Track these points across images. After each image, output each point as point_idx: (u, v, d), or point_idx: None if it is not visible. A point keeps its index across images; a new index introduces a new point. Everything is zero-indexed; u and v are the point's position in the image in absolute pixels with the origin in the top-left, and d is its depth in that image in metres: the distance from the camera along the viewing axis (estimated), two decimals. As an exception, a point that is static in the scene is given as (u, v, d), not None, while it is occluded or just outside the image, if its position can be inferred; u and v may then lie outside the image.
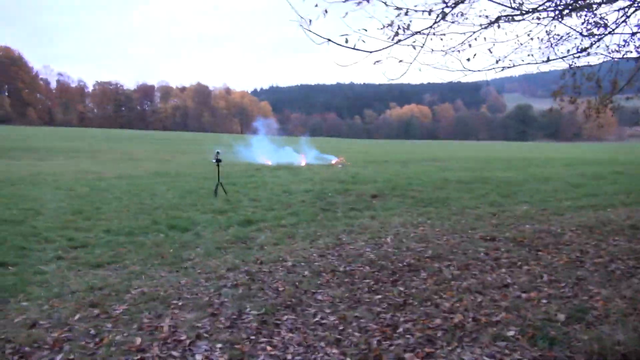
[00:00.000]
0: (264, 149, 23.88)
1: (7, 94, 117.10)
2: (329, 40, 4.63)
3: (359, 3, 4.81)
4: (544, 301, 4.47)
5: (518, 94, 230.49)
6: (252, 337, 3.84)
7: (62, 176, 15.15)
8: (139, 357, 3.51)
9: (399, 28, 5.07)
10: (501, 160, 26.31)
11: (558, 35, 6.74)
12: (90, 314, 4.28)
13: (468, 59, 5.80)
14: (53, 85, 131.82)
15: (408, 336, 3.82)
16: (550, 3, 5.94)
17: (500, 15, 5.85)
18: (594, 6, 6.16)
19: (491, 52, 6.22)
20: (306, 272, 5.56)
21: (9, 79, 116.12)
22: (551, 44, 6.66)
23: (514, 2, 5.95)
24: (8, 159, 22.16)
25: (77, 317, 4.22)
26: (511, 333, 3.77)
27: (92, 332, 3.92)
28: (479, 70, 6.38)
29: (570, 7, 6.02)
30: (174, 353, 3.57)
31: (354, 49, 4.65)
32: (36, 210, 9.06)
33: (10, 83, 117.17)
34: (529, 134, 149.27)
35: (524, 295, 4.65)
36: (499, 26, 5.99)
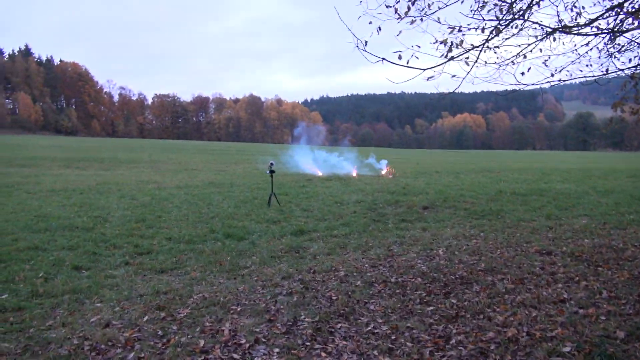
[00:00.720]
0: (308, 159, 23.91)
1: (74, 107, 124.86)
2: (384, 59, 4.78)
3: (412, 22, 4.94)
4: (603, 318, 4.38)
5: (578, 101, 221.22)
6: (307, 344, 4.01)
7: (126, 185, 16.03)
8: (202, 358, 3.77)
9: (452, 44, 5.15)
10: (559, 171, 25.39)
11: (618, 44, 6.57)
12: (157, 316, 4.60)
13: (522, 73, 5.78)
14: (115, 98, 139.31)
15: (460, 348, 3.87)
16: (610, 12, 5.84)
17: (556, 27, 5.80)
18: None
19: (547, 65, 6.15)
20: (358, 282, 5.69)
21: (76, 93, 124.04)
22: (610, 55, 6.50)
23: (572, 12, 5.90)
24: (77, 169, 23.65)
25: (145, 318, 4.55)
26: (567, 349, 3.73)
27: (160, 333, 4.23)
28: (533, 84, 6.32)
29: (632, 15, 5.87)
30: (235, 355, 3.80)
31: (407, 66, 4.77)
32: (104, 218, 9.69)
33: (77, 97, 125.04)
34: (590, 143, 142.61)
35: (581, 311, 4.57)
36: (554, 39, 5.93)
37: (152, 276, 6.05)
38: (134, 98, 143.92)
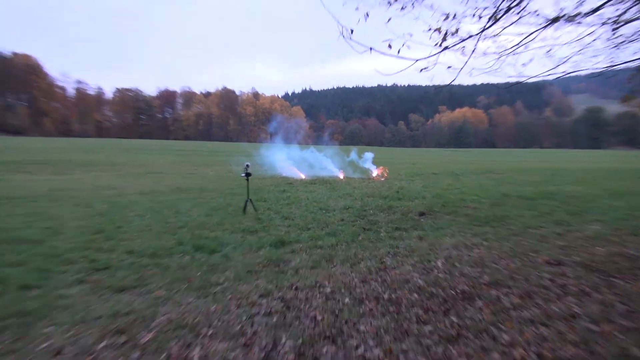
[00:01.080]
0: (278, 157, 23.99)
1: (24, 103, 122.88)
2: (371, 48, 4.78)
3: (402, 8, 4.96)
4: (618, 334, 4.42)
5: (587, 95, 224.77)
6: (289, 370, 3.97)
7: (81, 192, 15.81)
8: (169, 389, 3.70)
9: (446, 33, 5.19)
10: (569, 172, 25.76)
11: (623, 35, 6.66)
12: (116, 342, 4.52)
13: (523, 64, 5.84)
14: (71, 93, 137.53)
15: (461, 372, 3.87)
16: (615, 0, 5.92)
17: (558, 15, 5.86)
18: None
19: (550, 56, 6.22)
20: (347, 300, 5.66)
21: (26, 88, 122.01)
22: (616, 45, 6.59)
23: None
24: (25, 173, 23.26)
25: (103, 344, 4.46)
26: (580, 371, 3.76)
27: (120, 360, 4.15)
28: (536, 76, 6.38)
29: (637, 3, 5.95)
30: (206, 385, 3.74)
31: (398, 57, 4.78)
32: (56, 229, 9.52)
33: (27, 92, 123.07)
34: (602, 141, 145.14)
35: (594, 327, 4.61)
36: (556, 28, 6.00)
37: (110, 295, 5.95)
38: (92, 93, 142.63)
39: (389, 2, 5.44)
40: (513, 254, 7.70)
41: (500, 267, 6.91)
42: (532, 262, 7.13)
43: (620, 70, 7.23)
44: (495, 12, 5.65)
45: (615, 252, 7.61)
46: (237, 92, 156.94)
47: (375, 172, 23.24)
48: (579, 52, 6.53)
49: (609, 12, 6.09)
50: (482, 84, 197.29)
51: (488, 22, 5.68)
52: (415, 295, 5.80)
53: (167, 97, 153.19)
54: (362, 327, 4.86)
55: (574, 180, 20.21)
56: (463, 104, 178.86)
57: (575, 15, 5.91)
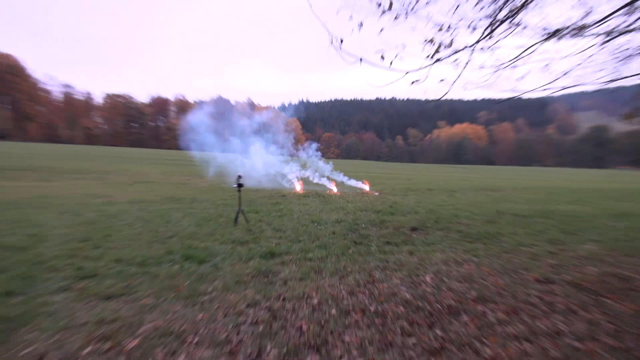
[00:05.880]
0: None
1: (9, 106, 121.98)
2: (361, 59, 5.00)
3: (395, 18, 5.18)
4: (603, 353, 4.59)
5: (594, 112, 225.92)
6: (273, 379, 4.14)
7: (68, 199, 15.91)
8: (151, 395, 3.87)
9: (440, 45, 5.41)
10: (569, 191, 26.02)
11: (632, 48, 6.83)
12: (101, 348, 4.64)
13: (519, 78, 6.06)
14: (58, 97, 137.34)
15: (445, 385, 4.05)
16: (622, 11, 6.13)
17: (561, 27, 6.08)
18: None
19: (547, 69, 6.44)
20: (333, 311, 5.82)
21: (6, 89, 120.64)
22: (621, 59, 6.80)
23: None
24: (9, 179, 23.32)
25: (87, 350, 4.59)
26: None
27: (103, 367, 4.31)
28: (533, 90, 6.59)
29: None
30: (189, 392, 3.92)
31: (388, 68, 4.99)
32: (41, 236, 9.64)
33: (7, 94, 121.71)
34: (606, 160, 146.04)
35: (579, 344, 4.78)
36: (559, 38, 6.22)
37: (96, 303, 6.08)
38: (80, 97, 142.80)
39: (382, 11, 5.63)
40: (503, 271, 7.88)
41: (489, 283, 7.08)
42: (521, 280, 7.30)
43: (625, 86, 7.41)
44: (491, 23, 5.86)
45: (608, 272, 7.79)
46: (232, 102, 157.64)
47: (368, 187, 23.56)
48: (581, 66, 6.71)
49: (615, 23, 6.29)
50: (483, 100, 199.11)
51: (483, 33, 5.90)
52: (402, 308, 5.95)
53: (159, 105, 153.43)
54: (347, 338, 5.01)
55: (573, 200, 20.48)
56: (463, 120, 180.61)
57: (581, 28, 6.13)
